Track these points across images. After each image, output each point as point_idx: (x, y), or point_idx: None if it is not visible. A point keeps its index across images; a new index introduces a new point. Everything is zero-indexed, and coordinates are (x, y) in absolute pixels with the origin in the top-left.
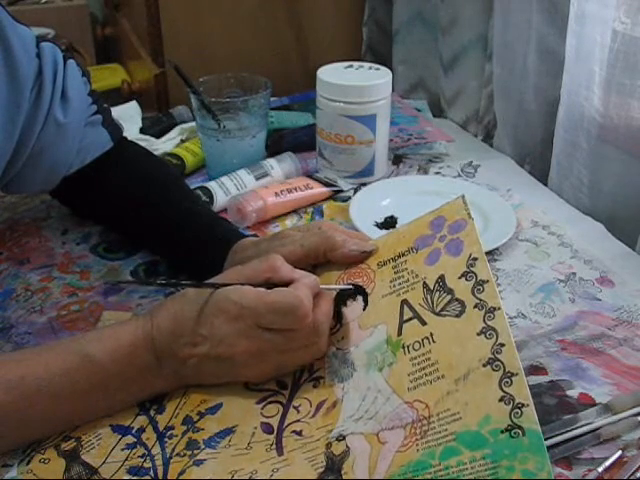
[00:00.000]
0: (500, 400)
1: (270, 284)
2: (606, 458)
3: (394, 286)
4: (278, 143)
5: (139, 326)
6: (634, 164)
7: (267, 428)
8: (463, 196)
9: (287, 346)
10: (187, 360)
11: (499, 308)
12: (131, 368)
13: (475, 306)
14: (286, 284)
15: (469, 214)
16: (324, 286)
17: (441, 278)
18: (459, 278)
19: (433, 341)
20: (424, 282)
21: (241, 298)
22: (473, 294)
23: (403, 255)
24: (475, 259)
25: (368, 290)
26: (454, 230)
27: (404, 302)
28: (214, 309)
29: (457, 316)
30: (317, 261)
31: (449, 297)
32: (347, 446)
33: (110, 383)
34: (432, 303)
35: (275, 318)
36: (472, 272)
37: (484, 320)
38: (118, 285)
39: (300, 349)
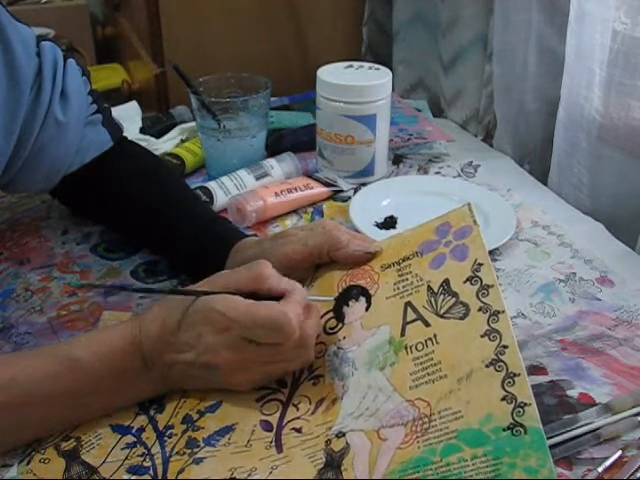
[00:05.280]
0: (502, 399)
1: (259, 294)
2: (606, 458)
3: (398, 288)
4: (278, 143)
5: (128, 331)
6: (634, 164)
7: (266, 426)
8: (469, 204)
9: (273, 358)
10: (173, 366)
11: (503, 311)
12: (121, 372)
13: (479, 309)
14: (276, 294)
15: (475, 221)
16: (311, 297)
17: (446, 282)
18: (464, 282)
19: (436, 342)
20: (428, 285)
21: (228, 310)
22: (478, 298)
23: (407, 259)
24: (480, 264)
25: (371, 292)
26: (459, 236)
27: (408, 304)
28: (200, 318)
29: (461, 318)
30: (320, 260)
31: (453, 300)
32: (347, 443)
33: (100, 387)
34: (436, 305)
35: (262, 333)
36: (477, 277)
37: (488, 323)
38: (93, 287)
39: (287, 361)
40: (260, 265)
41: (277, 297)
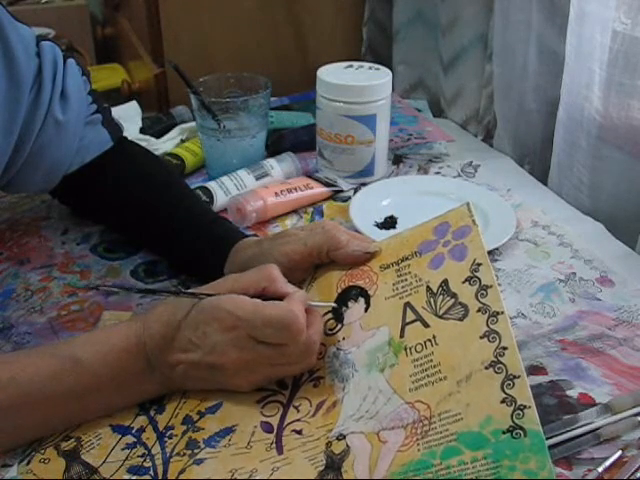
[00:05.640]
0: (502, 402)
1: (264, 296)
2: (606, 458)
3: (397, 289)
4: (278, 143)
5: (131, 331)
6: (634, 164)
7: (267, 427)
8: (468, 203)
9: (278, 361)
10: (176, 366)
11: (502, 312)
12: (123, 373)
13: (478, 310)
14: (279, 297)
15: (474, 220)
16: (313, 303)
17: (445, 282)
18: (463, 283)
19: (436, 343)
20: (427, 286)
21: (236, 308)
22: (477, 298)
23: (406, 259)
24: (479, 264)
25: (370, 292)
26: (458, 236)
27: (407, 305)
28: (208, 317)
29: (460, 319)
30: (320, 260)
31: (452, 301)
32: (347, 445)
33: (102, 387)
34: (435, 306)
35: (270, 332)
36: (476, 277)
37: (487, 324)
38: (98, 289)
39: (291, 365)
40: (269, 266)
41: (280, 300)
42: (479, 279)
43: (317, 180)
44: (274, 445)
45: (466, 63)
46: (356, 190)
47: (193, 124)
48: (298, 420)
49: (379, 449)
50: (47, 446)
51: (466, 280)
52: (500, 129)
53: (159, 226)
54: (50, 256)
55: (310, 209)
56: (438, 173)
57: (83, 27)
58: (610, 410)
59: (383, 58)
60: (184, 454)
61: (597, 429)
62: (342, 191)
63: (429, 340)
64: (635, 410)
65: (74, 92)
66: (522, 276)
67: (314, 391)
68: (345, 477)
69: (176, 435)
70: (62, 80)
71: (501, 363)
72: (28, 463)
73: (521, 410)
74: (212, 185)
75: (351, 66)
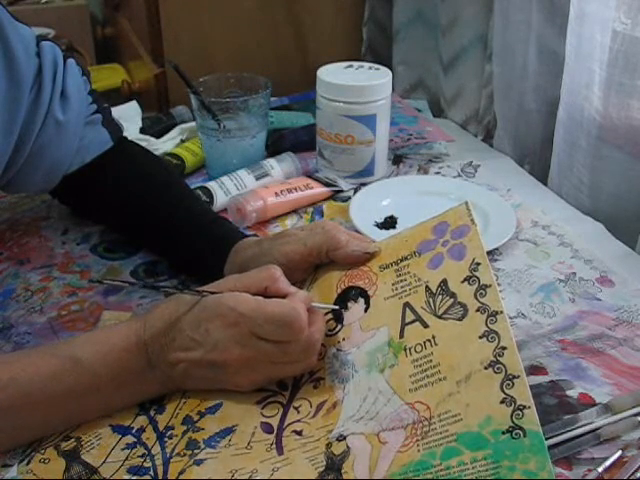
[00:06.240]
0: (501, 402)
1: (266, 297)
2: (606, 458)
3: (396, 289)
4: (278, 143)
5: (131, 330)
6: (634, 164)
7: (267, 428)
8: (467, 202)
9: (280, 359)
10: (177, 365)
11: (501, 312)
12: (123, 372)
13: (477, 310)
14: (281, 297)
15: (472, 220)
16: (315, 304)
17: (444, 282)
18: (462, 282)
19: (435, 343)
20: (427, 285)
21: (238, 305)
22: (476, 298)
23: (405, 259)
24: (478, 264)
25: (370, 292)
26: (457, 235)
27: (406, 305)
28: (210, 314)
29: (459, 319)
30: (319, 260)
31: (452, 300)
32: (347, 446)
33: (102, 387)
34: (434, 306)
35: (271, 329)
36: (475, 276)
37: (486, 323)
38: (102, 284)
39: (292, 363)
40: (271, 267)
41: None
42: (478, 278)
43: (317, 180)
44: (274, 446)
45: (466, 63)
46: (356, 190)
47: (193, 124)
48: (298, 421)
49: (379, 450)
50: (47, 446)
51: (465, 280)
52: (500, 129)
53: (159, 226)
54: (50, 256)
55: (310, 209)
56: (438, 173)
57: (83, 27)
58: (610, 410)
59: (383, 58)
60: (184, 454)
61: (597, 429)
62: (342, 191)
63: (428, 340)
64: (635, 410)
65: (74, 92)
66: (522, 276)
67: (314, 392)
68: (345, 478)
69: (176, 435)
70: (62, 80)
71: (500, 363)
72: (28, 463)
73: (521, 410)
74: (212, 185)
75: (351, 66)
